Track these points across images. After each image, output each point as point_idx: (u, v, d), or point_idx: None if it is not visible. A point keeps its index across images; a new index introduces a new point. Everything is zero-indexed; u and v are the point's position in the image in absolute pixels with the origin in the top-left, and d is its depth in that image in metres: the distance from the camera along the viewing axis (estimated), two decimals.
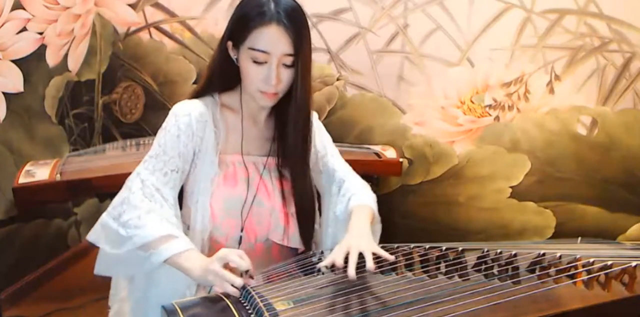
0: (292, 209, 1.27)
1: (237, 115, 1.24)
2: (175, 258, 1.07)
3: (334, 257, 1.06)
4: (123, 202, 1.14)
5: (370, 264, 1.03)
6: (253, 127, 1.26)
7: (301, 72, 1.14)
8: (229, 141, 1.23)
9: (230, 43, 1.17)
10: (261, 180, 1.25)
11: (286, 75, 1.14)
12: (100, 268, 1.20)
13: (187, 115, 1.17)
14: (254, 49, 1.11)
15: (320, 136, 1.34)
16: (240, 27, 1.13)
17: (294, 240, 1.28)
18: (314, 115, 1.32)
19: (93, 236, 1.17)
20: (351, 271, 1.01)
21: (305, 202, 1.28)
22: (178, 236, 1.09)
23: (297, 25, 1.11)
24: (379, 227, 1.29)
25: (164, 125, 1.19)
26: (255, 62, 1.12)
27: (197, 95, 1.23)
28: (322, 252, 1.20)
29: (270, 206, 1.25)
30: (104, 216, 1.16)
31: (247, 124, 1.25)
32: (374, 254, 1.06)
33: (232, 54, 1.17)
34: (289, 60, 1.12)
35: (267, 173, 1.26)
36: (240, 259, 1.03)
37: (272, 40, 1.10)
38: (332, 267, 1.08)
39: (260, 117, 1.26)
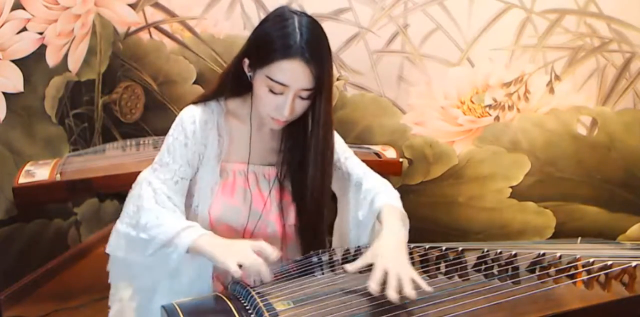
0: (290, 221, 1.26)
1: (242, 123, 1.23)
2: (195, 243, 1.07)
3: (373, 279, 0.96)
4: (138, 210, 1.14)
5: (410, 290, 0.94)
6: (258, 136, 1.24)
7: (324, 106, 1.12)
8: (232, 149, 1.22)
9: (247, 61, 1.14)
10: (260, 191, 1.24)
11: (300, 106, 1.12)
12: (116, 277, 1.24)
13: (192, 123, 1.17)
14: (272, 80, 1.08)
15: None
16: (262, 53, 1.09)
17: (292, 252, 1.27)
18: None
19: (111, 248, 1.19)
20: (392, 294, 0.93)
21: (315, 221, 1.24)
22: (195, 225, 1.11)
23: (321, 60, 1.08)
24: (406, 222, 1.21)
25: (170, 132, 1.19)
26: (271, 91, 1.10)
27: (203, 99, 1.22)
28: (322, 253, 1.20)
29: (267, 218, 1.24)
30: (121, 227, 1.17)
31: (252, 133, 1.23)
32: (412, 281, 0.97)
33: (247, 70, 1.15)
34: (306, 94, 1.10)
35: (267, 184, 1.25)
36: (269, 248, 1.03)
37: (293, 75, 1.07)
38: (332, 267, 1.08)
39: (266, 127, 1.24)
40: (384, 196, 1.21)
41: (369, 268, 1.00)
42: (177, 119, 1.20)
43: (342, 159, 1.29)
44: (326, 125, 1.16)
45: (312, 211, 1.23)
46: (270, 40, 1.08)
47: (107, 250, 1.20)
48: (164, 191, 1.15)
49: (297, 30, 1.06)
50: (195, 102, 1.22)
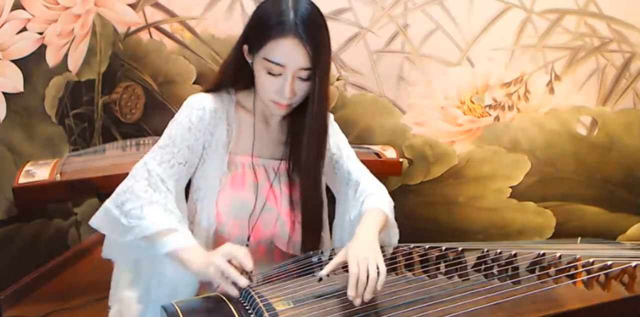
0: (300, 217, 1.24)
1: (251, 115, 1.21)
2: (175, 251, 1.04)
3: (334, 266, 1.02)
4: (127, 190, 1.11)
5: (373, 272, 0.96)
6: (265, 129, 1.23)
7: (319, 84, 1.10)
8: (240, 141, 1.20)
9: (246, 47, 1.13)
10: (270, 185, 1.22)
11: (301, 87, 1.10)
12: (107, 251, 1.19)
13: (201, 109, 1.15)
14: (268, 61, 1.07)
15: (335, 138, 1.29)
16: (257, 34, 1.08)
17: (298, 248, 1.26)
18: (330, 117, 1.26)
19: (96, 222, 1.14)
20: (350, 292, 0.95)
21: (313, 210, 1.24)
22: (179, 229, 1.07)
23: (316, 37, 1.06)
24: (395, 232, 1.24)
25: (176, 116, 1.17)
26: (269, 73, 1.09)
27: (213, 89, 1.20)
28: (321, 252, 1.20)
29: (277, 212, 1.23)
30: (107, 203, 1.13)
31: (259, 125, 1.22)
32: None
33: (248, 58, 1.14)
34: (304, 74, 1.08)
35: (277, 178, 1.23)
36: (246, 258, 1.00)
37: (288, 53, 1.05)
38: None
39: (274, 119, 1.23)
40: (373, 199, 1.20)
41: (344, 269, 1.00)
42: (184, 104, 1.17)
43: (344, 157, 1.28)
44: (321, 102, 1.13)
45: (309, 194, 1.21)
46: (265, 19, 1.08)
47: (91, 223, 1.14)
48: (158, 172, 1.12)
49: (290, 8, 1.06)
50: (205, 91, 1.20)
